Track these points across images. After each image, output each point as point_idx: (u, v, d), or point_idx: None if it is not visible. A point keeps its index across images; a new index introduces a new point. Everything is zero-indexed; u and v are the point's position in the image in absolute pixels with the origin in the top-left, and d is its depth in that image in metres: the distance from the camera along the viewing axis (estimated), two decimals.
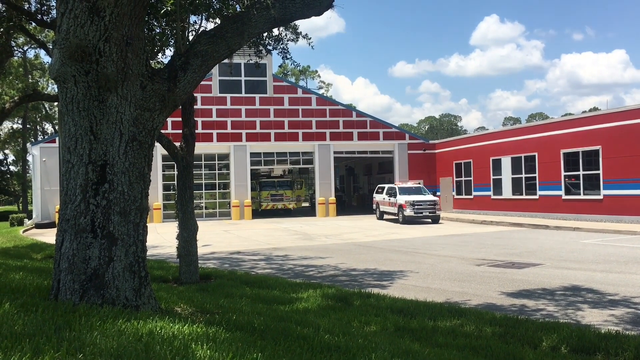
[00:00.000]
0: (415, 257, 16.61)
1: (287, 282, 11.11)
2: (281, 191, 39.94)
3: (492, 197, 34.15)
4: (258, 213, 39.87)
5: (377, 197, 33.23)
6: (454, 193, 39.10)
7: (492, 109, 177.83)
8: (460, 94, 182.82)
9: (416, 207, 28.87)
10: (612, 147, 25.94)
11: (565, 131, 28.79)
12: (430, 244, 20.45)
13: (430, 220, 29.53)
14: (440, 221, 30.15)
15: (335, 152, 39.20)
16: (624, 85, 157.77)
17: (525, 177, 31.70)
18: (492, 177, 34.62)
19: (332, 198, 38.54)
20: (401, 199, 29.51)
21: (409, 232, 25.42)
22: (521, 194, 31.99)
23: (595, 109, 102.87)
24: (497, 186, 34.03)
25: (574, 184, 28.35)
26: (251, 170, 38.85)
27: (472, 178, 36.80)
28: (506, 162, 33.38)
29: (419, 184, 33.55)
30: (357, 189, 55.96)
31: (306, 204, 45.94)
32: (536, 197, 30.55)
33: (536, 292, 10.70)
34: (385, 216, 32.51)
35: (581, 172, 27.88)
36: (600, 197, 26.50)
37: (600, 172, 26.57)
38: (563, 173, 28.80)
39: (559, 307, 9.35)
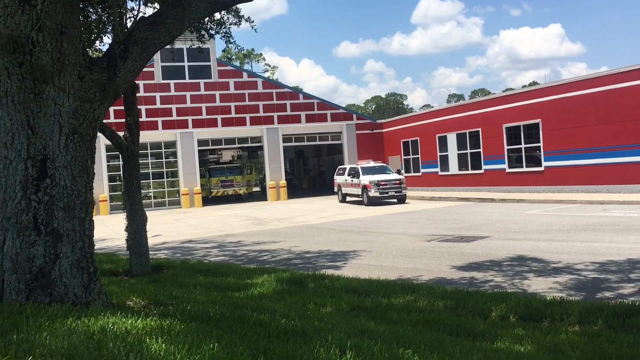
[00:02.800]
0: (367, 237, 16.79)
1: (241, 268, 11.07)
2: (231, 177, 39.58)
3: (440, 173, 34.83)
4: (209, 200, 39.45)
5: (338, 179, 32.07)
6: (403, 171, 39.68)
7: (436, 87, 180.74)
8: (404, 72, 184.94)
9: (381, 187, 27.75)
10: (551, 120, 26.83)
11: (507, 106, 29.56)
12: (382, 222, 20.72)
13: (396, 200, 28.39)
14: (407, 200, 29.06)
15: (283, 135, 39.07)
16: (560, 59, 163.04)
17: (471, 153, 32.45)
18: (438, 153, 35.26)
19: (283, 181, 38.47)
20: (365, 179, 28.33)
21: (361, 212, 25.68)
22: (467, 169, 32.75)
23: (534, 83, 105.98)
24: (444, 163, 34.72)
25: (517, 158, 29.26)
26: (199, 157, 38.30)
27: (419, 156, 37.39)
28: (452, 139, 34.05)
29: (380, 162, 32.49)
30: (307, 172, 56.03)
31: (257, 189, 45.68)
32: (481, 171, 31.34)
33: (484, 264, 11.04)
34: (348, 198, 31.58)
35: (523, 145, 28.73)
36: (542, 168, 27.43)
37: (541, 144, 27.46)
38: (506, 147, 29.62)
39: (507, 278, 9.67)
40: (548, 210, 20.77)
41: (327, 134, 40.70)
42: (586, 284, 8.94)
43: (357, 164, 30.11)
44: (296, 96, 39.82)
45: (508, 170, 29.49)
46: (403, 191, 27.95)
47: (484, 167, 31.28)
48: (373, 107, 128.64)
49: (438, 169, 35.12)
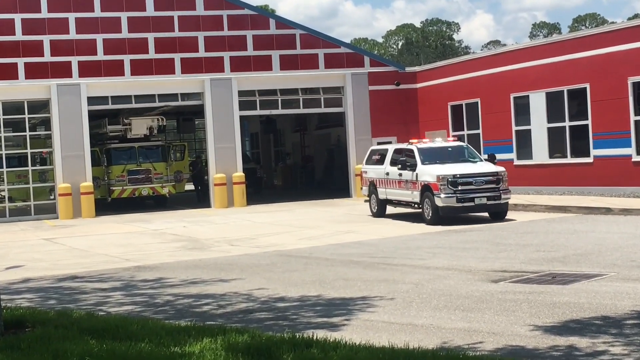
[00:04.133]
0: (387, 273, 16.70)
1: (165, 326, 11.01)
2: (146, 164, 39.47)
3: (516, 162, 34.84)
4: (107, 205, 39.32)
5: (371, 172, 30.21)
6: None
7: (512, 10, 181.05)
8: None
9: (461, 187, 25.26)
10: None
11: (636, 45, 29.60)
12: (412, 248, 20.64)
13: (489, 213, 26.38)
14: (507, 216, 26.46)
15: (241, 93, 39.01)
16: None
17: (571, 128, 32.49)
18: (514, 127, 35.25)
19: (239, 174, 38.42)
20: (426, 172, 25.95)
21: (376, 229, 25.74)
22: (564, 156, 32.77)
23: None
24: (524, 143, 34.68)
25: None
26: (91, 129, 38.24)
27: (480, 131, 37.38)
28: (538, 102, 34.04)
29: (457, 140, 30.75)
30: (282, 158, 55.99)
31: (191, 186, 45.63)
32: (589, 159, 31.41)
33: (593, 324, 11.02)
34: (392, 208, 29.30)
35: None
36: None
37: None
38: (633, 117, 29.71)
39: (632, 347, 9.67)
40: None
41: (317, 92, 40.69)
42: None
43: (413, 143, 28.07)
44: (264, 23, 39.80)
45: (636, 158, 29.58)
46: (503, 196, 25.82)
47: (594, 152, 31.36)
48: (400, 44, 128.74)
49: (514, 155, 35.17)
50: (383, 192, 29.25)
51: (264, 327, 11.66)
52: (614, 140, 30.34)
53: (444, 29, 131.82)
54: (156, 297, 15.07)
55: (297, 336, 10.03)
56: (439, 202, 25.34)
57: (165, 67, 38.13)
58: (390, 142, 29.82)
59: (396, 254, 19.74)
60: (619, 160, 30.29)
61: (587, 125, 31.67)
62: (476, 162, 27.33)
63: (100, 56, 37.44)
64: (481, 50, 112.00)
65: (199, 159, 45.76)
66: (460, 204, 25.43)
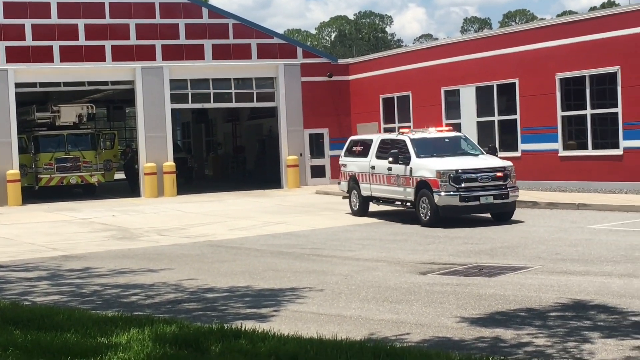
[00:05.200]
0: (317, 264, 16.80)
1: (91, 316, 10.93)
2: (75, 153, 38.99)
3: None
4: (34, 194, 38.78)
5: (352, 166, 27.36)
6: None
7: (443, 4, 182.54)
8: None
9: (466, 184, 22.57)
10: (637, 68, 27.49)
11: (563, 42, 30.07)
12: (342, 239, 20.79)
13: (492, 214, 23.70)
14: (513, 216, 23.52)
15: (172, 82, 38.74)
16: None
17: (500, 122, 32.93)
18: (444, 121, 35.58)
19: (170, 164, 38.17)
20: (422, 166, 23.38)
21: (306, 221, 25.90)
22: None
23: (610, 4, 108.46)
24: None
25: (579, 132, 29.85)
26: (18, 116, 37.66)
27: (411, 124, 37.63)
28: (468, 96, 34.40)
29: (452, 129, 27.59)
30: (214, 148, 55.76)
31: (122, 175, 45.20)
32: (517, 153, 31.83)
33: (518, 315, 11.22)
34: (379, 206, 26.64)
35: (588, 111, 29.32)
36: (620, 152, 28.09)
37: (619, 109, 28.11)
38: (560, 113, 30.17)
39: (555, 340, 9.85)
40: (628, 223, 21.27)
41: (249, 83, 40.57)
42: None
43: (404, 134, 25.23)
44: (196, 12, 39.55)
45: (562, 152, 30.08)
46: (512, 194, 23.01)
47: (522, 146, 31.82)
48: (333, 35, 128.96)
49: None
50: (367, 189, 26.25)
51: (192, 317, 11.66)
52: (542, 135, 30.80)
53: (377, 22, 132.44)
54: (83, 287, 14.96)
55: (226, 327, 10.02)
56: (439, 201, 22.36)
57: (96, 54, 37.65)
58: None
59: (326, 245, 19.84)
60: (546, 155, 30.76)
61: (515, 120, 32.10)
62: (478, 155, 24.46)
63: (29, 42, 36.83)
64: (413, 43, 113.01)
65: (129, 148, 45.30)
66: (463, 204, 22.47)
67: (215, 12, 40.47)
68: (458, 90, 35.01)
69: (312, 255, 18.23)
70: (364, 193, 26.42)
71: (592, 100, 29.33)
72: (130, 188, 41.51)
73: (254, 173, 48.48)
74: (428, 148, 24.32)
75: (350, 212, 27.03)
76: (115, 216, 29.23)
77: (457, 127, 34.47)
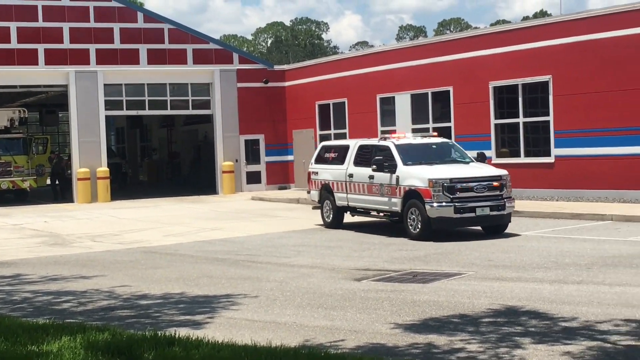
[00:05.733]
0: (252, 271, 16.76)
1: (22, 324, 10.77)
2: (6, 157, 38.44)
3: None
4: None
5: (324, 173, 25.45)
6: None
7: (379, 12, 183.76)
8: None
9: (460, 194, 20.90)
10: (568, 78, 27.92)
11: (497, 51, 30.50)
12: (277, 245, 20.77)
13: (483, 227, 22.03)
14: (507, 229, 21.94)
15: (107, 87, 38.40)
16: None
17: (434, 129, 33.07)
18: (379, 128, 35.77)
19: (104, 169, 37.84)
20: (412, 174, 21.61)
21: (243, 227, 25.81)
22: None
23: (542, 14, 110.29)
24: None
25: (511, 140, 30.24)
26: None
27: (347, 130, 37.79)
28: (403, 103, 34.68)
29: (438, 135, 25.79)
30: (148, 153, 55.40)
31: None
32: None
33: (451, 322, 11.33)
34: (354, 217, 24.92)
35: (521, 120, 29.75)
36: (551, 159, 28.52)
37: (551, 117, 28.55)
38: (493, 121, 30.55)
39: (487, 345, 9.96)
40: (559, 230, 21.63)
41: (184, 88, 40.39)
42: (616, 357, 9.35)
43: (390, 139, 23.48)
44: (132, 16, 39.27)
45: (495, 160, 30.44)
46: (508, 205, 21.35)
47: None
48: (269, 41, 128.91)
49: None
50: (343, 198, 24.33)
51: (125, 325, 11.56)
52: (475, 143, 31.06)
53: (313, 29, 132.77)
54: (14, 294, 14.72)
55: (159, 334, 9.96)
56: (431, 213, 20.63)
57: (28, 58, 37.16)
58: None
59: (261, 251, 19.80)
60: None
61: (449, 127, 32.41)
62: (468, 162, 22.83)
63: None
64: (349, 50, 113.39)
65: (55, 154, 44.62)
66: (458, 215, 20.75)
67: (151, 16, 40.20)
68: (393, 97, 35.24)
69: (247, 261, 18.19)
70: (339, 203, 24.48)
71: (525, 108, 29.79)
72: (53, 196, 40.55)
73: (189, 179, 48.29)
74: (415, 155, 22.63)
75: (322, 223, 25.06)
76: (48, 222, 28.84)
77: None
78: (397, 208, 21.83)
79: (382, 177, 22.33)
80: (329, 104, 39.11)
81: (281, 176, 41.70)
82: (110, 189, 38.13)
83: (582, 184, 26.76)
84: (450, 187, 20.70)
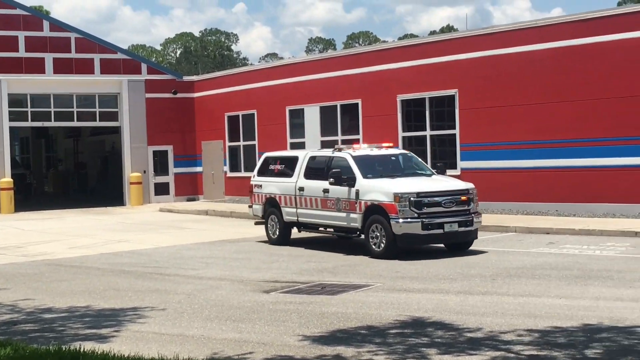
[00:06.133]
0: (160, 283, 16.63)
1: None
2: None
3: None
4: None
5: (270, 187, 23.92)
6: (227, 168, 39.87)
7: (289, 23, 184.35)
8: None
9: (427, 209, 19.58)
10: (473, 92, 28.44)
11: (404, 64, 30.89)
12: (185, 257, 20.66)
13: (445, 245, 20.70)
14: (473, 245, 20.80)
15: (11, 96, 37.70)
16: None
17: (343, 141, 33.33)
18: (289, 140, 35.88)
19: (7, 180, 37.12)
20: (374, 188, 20.26)
21: (151, 239, 25.57)
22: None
23: (449, 29, 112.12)
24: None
25: (421, 153, 30.66)
26: None
27: (256, 142, 37.80)
28: (312, 115, 34.87)
29: (393, 146, 24.34)
30: (54, 164, 54.46)
31: None
32: None
33: (359, 333, 11.39)
34: (301, 233, 23.67)
35: (428, 132, 30.17)
36: (457, 172, 28.95)
37: (457, 131, 29.03)
38: (401, 134, 30.91)
39: (394, 356, 10.05)
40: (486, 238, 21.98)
41: (92, 99, 39.90)
42: None
43: (345, 150, 22.05)
44: (37, 24, 38.66)
45: None
46: (475, 220, 20.21)
47: None
48: (178, 52, 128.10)
49: None
50: (292, 213, 22.81)
51: (28, 339, 11.36)
52: None
53: (223, 40, 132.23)
54: None
55: (64, 348, 9.84)
56: (397, 229, 19.27)
57: None
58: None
59: (169, 263, 19.66)
60: None
61: (358, 140, 32.63)
62: (430, 175, 21.66)
63: None
64: (259, 62, 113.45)
65: None
66: (426, 232, 19.40)
67: (57, 25, 39.58)
68: (302, 109, 35.37)
69: (154, 274, 18.03)
70: (288, 218, 22.94)
71: (432, 121, 30.21)
72: None
73: (96, 190, 47.69)
74: (374, 167, 21.37)
75: (267, 240, 23.49)
76: None
77: (301, 146, 34.83)
78: (357, 224, 20.45)
79: (338, 190, 20.92)
80: (238, 116, 39.05)
81: (190, 187, 41.47)
82: (14, 200, 37.41)
83: (487, 196, 27.19)
84: (418, 201, 19.39)
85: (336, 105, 33.85)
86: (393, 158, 22.52)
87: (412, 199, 19.25)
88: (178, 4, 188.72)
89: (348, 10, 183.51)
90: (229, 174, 39.68)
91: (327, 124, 34.36)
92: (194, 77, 44.69)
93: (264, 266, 18.69)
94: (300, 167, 22.71)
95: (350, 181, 20.44)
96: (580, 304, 13.04)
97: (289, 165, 23.52)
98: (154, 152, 40.64)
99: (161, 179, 40.90)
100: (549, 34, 26.72)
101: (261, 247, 22.35)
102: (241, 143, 38.76)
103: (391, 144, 24.05)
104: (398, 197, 19.29)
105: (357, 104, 32.88)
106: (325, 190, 21.31)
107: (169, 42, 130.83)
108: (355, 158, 21.12)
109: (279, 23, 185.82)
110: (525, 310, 12.62)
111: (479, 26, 68.36)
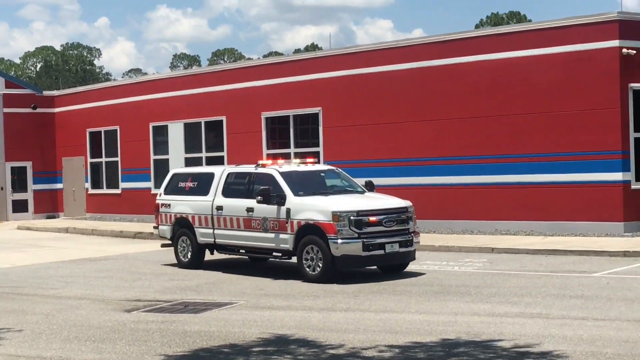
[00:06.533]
0: (17, 303, 16.19)
1: None
2: None
3: (154, 190, 35.05)
4: None
5: (181, 206, 22.00)
6: (88, 185, 39.14)
7: (153, 39, 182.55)
8: (98, 9, 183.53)
9: (367, 229, 18.39)
10: (337, 110, 28.86)
11: (269, 82, 31.10)
12: (44, 277, 20.19)
13: (387, 266, 19.42)
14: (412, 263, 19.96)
15: None
16: (354, 11, 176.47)
17: (207, 158, 33.29)
18: (152, 156, 35.51)
19: None
20: (308, 206, 18.89)
21: (7, 257, 24.91)
22: None
23: (314, 47, 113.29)
24: (162, 172, 34.91)
25: None
26: None
27: (119, 158, 37.25)
28: (176, 132, 34.60)
29: (317, 162, 24.43)
30: None
31: None
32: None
33: (221, 352, 11.34)
34: (213, 255, 22.03)
35: (292, 150, 30.35)
36: None
37: (321, 148, 29.33)
38: (265, 151, 31.01)
39: None
40: None
41: None
42: None
43: (262, 165, 20.66)
44: None
45: None
46: (415, 240, 19.27)
47: None
48: (39, 66, 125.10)
49: (151, 184, 35.34)
50: (208, 234, 21.06)
51: None
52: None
53: (85, 54, 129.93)
54: None
55: None
56: (336, 251, 17.94)
57: None
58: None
59: (27, 283, 19.12)
60: None
61: (223, 157, 32.64)
62: (362, 192, 20.38)
63: None
64: (122, 77, 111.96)
65: None
66: (367, 253, 18.14)
67: None
68: (166, 126, 35.08)
69: (11, 293, 17.49)
70: (202, 240, 21.16)
71: (296, 139, 30.45)
72: None
73: None
74: (304, 184, 19.81)
75: (177, 263, 21.70)
76: None
77: (165, 163, 34.51)
78: (288, 245, 18.92)
79: (266, 209, 19.34)
80: (101, 132, 38.43)
81: (50, 205, 40.52)
82: None
83: None
84: (358, 220, 18.13)
85: (200, 122, 33.74)
86: (322, 174, 21.42)
87: (352, 217, 18.08)
88: (39, 17, 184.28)
89: (213, 26, 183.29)
90: (91, 191, 39.02)
91: (192, 141, 34.19)
92: (55, 92, 43.78)
93: (126, 284, 18.43)
94: (217, 184, 21.05)
95: (280, 199, 19.04)
96: (439, 319, 13.32)
97: (203, 182, 21.74)
98: (12, 169, 39.61)
99: (19, 196, 39.85)
100: (410, 54, 27.41)
101: (123, 265, 22.03)
102: (103, 159, 38.16)
103: (315, 159, 23.07)
104: (337, 216, 18.06)
105: (221, 120, 32.87)
106: (250, 209, 19.80)
107: (28, 55, 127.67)
108: (283, 174, 19.70)
109: (143, 38, 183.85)
110: (386, 326, 12.81)
111: (342, 45, 69.51)
